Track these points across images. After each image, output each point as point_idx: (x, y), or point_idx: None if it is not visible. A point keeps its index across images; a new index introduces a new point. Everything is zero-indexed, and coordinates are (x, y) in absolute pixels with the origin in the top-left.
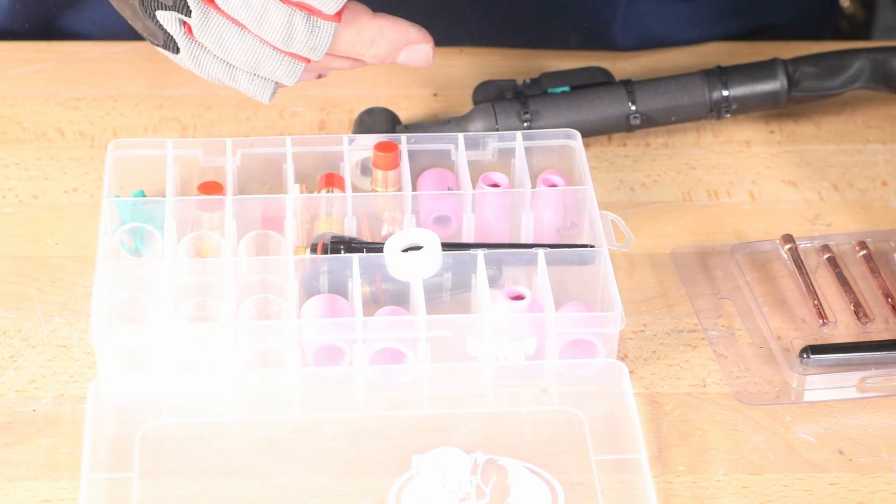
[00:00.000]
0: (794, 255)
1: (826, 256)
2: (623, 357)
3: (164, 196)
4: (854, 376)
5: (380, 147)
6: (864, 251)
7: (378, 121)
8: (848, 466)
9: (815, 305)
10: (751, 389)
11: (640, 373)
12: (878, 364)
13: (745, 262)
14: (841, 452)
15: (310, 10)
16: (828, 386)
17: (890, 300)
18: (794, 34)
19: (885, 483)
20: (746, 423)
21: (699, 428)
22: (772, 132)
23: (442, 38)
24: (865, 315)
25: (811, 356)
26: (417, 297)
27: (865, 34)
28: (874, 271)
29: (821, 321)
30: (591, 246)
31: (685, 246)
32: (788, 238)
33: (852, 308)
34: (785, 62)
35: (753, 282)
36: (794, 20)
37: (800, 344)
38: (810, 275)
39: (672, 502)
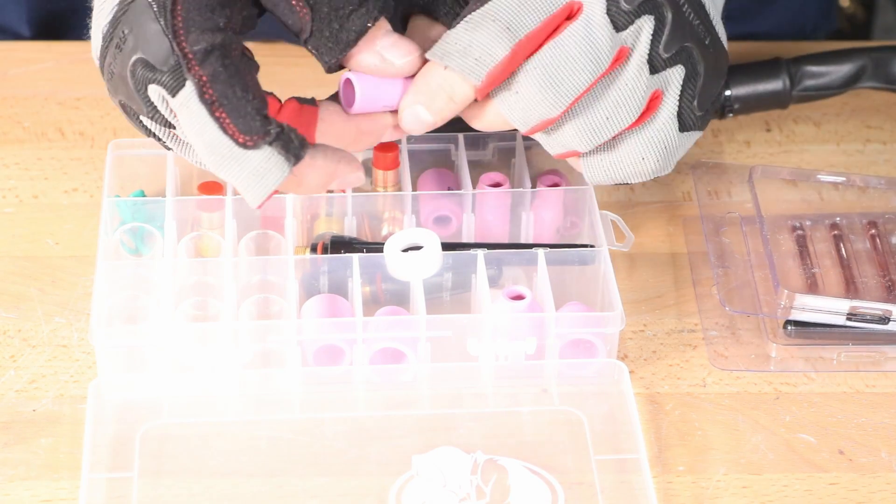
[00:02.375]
0: (802, 230)
1: (833, 233)
2: (623, 357)
3: (164, 196)
4: (834, 350)
5: (380, 147)
6: (874, 230)
7: None
8: (848, 466)
9: (811, 275)
10: (727, 354)
11: (640, 373)
12: (856, 340)
13: (753, 231)
14: (841, 452)
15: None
16: (807, 356)
17: (886, 278)
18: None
19: (885, 483)
20: (746, 423)
21: (699, 428)
22: (771, 132)
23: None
24: (856, 290)
25: (793, 328)
26: (417, 297)
27: (865, 34)
28: (878, 250)
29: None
30: (591, 246)
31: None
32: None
33: (844, 284)
34: (787, 62)
35: (756, 250)
36: (779, 27)
37: (790, 311)
38: (814, 249)
39: (672, 502)
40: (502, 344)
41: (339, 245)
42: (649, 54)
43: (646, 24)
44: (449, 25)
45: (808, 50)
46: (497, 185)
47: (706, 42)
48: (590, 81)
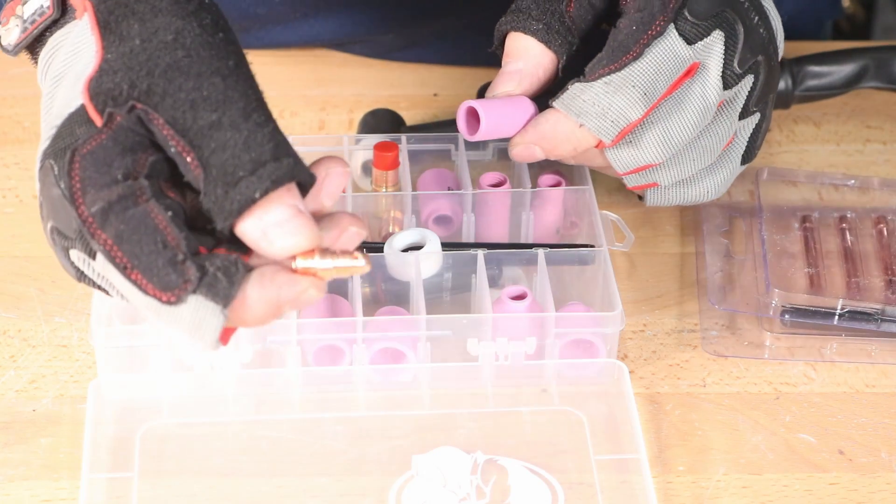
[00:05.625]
0: (808, 222)
1: (840, 227)
2: (623, 357)
3: None
4: (829, 342)
5: (380, 147)
6: (882, 225)
7: (382, 123)
8: (848, 466)
9: (807, 273)
10: (721, 338)
11: (640, 373)
12: (848, 332)
13: (754, 229)
14: (841, 452)
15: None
16: (801, 346)
17: (889, 273)
18: (796, 30)
19: (885, 483)
20: (746, 423)
21: (699, 428)
22: (771, 132)
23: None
24: (852, 290)
25: (789, 318)
26: (417, 297)
27: (865, 34)
28: (883, 246)
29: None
30: (591, 246)
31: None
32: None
33: (847, 279)
34: (789, 62)
35: (756, 249)
36: (799, 15)
37: (782, 308)
38: (818, 245)
39: (672, 502)
40: (502, 344)
41: None
42: (742, 106)
43: (747, 83)
44: (543, 40)
45: (811, 50)
46: (497, 184)
47: (776, 92)
48: (695, 135)
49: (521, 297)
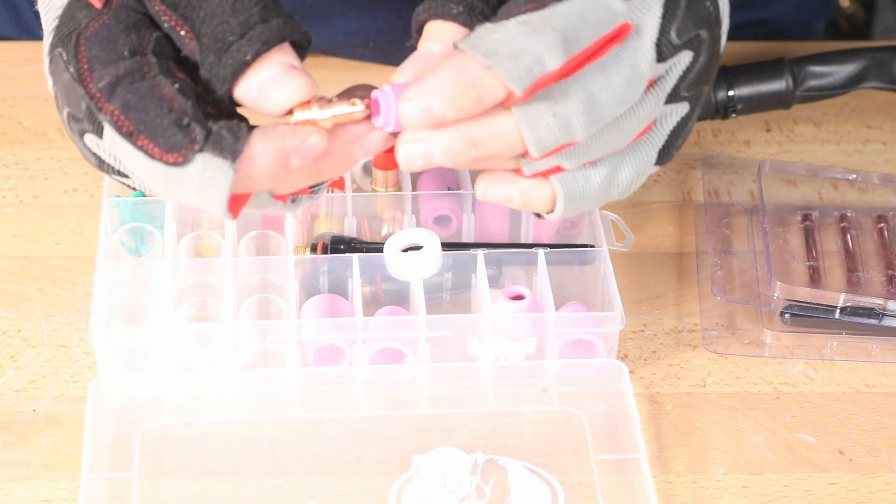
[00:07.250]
0: (809, 219)
1: (841, 225)
2: (623, 357)
3: None
4: (829, 340)
5: None
6: (882, 224)
7: None
8: (848, 466)
9: (809, 268)
10: (722, 338)
11: (640, 373)
12: (848, 330)
13: (756, 223)
14: (841, 452)
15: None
16: (801, 345)
17: (890, 269)
18: (785, 30)
19: (885, 483)
20: (746, 423)
21: (699, 428)
22: (771, 132)
23: None
24: (853, 284)
25: (790, 315)
26: (417, 297)
27: (865, 34)
28: (885, 244)
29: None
30: (591, 246)
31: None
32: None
33: (847, 276)
34: (790, 62)
35: (757, 242)
36: (785, 15)
37: (784, 303)
38: (819, 239)
39: (672, 502)
40: (502, 344)
41: (339, 245)
42: (673, 87)
43: (683, 59)
44: (466, 24)
45: (808, 50)
46: None
47: (710, 86)
48: (623, 110)
49: (520, 297)
